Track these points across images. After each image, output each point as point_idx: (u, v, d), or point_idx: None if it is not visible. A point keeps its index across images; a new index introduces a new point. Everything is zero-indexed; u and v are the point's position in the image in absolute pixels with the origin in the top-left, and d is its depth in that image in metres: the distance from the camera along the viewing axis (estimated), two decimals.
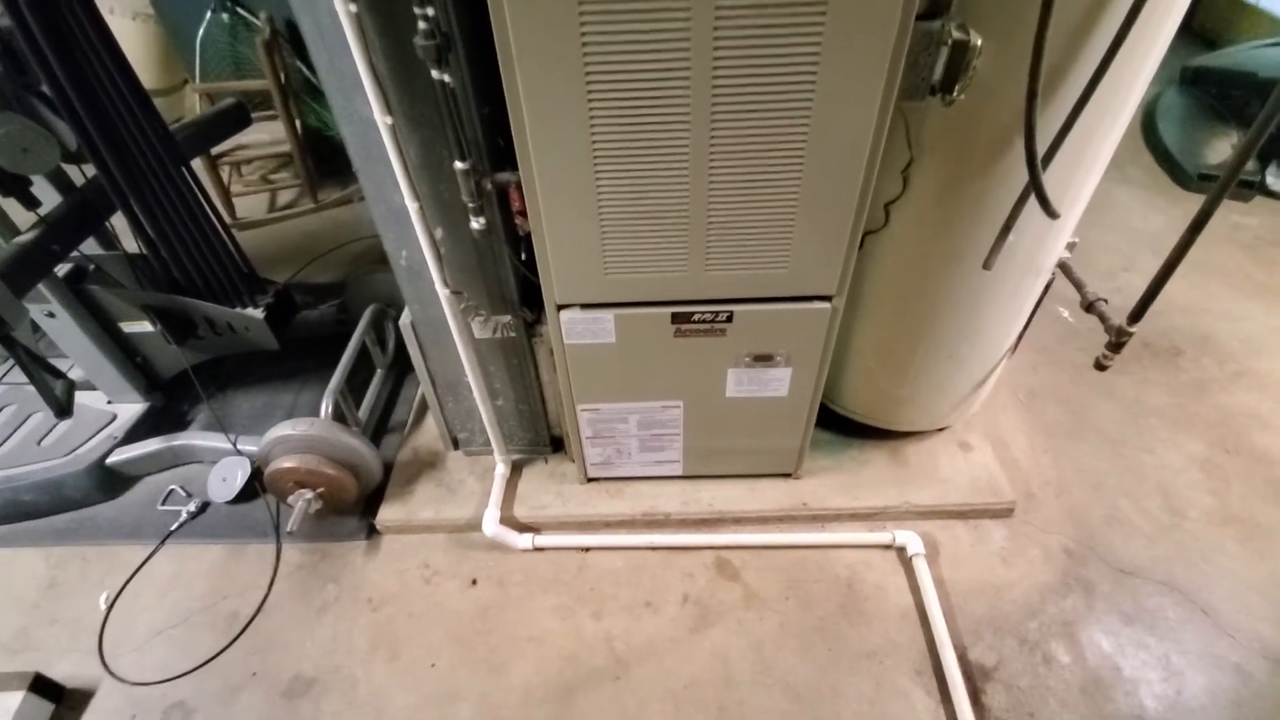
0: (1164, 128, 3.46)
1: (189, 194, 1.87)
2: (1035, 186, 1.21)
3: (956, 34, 1.10)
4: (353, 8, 1.07)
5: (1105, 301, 1.58)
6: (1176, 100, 3.61)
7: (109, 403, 2.23)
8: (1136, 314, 1.41)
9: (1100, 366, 1.54)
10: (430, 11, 1.04)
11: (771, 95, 1.10)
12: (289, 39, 2.86)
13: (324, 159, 3.28)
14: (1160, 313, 2.56)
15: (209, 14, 2.86)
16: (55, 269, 1.89)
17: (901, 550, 1.83)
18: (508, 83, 1.10)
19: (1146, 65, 1.25)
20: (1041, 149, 1.25)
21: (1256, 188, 3.18)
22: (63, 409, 1.78)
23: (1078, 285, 1.64)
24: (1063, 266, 1.68)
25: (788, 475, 1.95)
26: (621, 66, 1.07)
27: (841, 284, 1.41)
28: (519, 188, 1.28)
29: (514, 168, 1.24)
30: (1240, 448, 2.10)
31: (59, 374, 1.79)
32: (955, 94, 1.16)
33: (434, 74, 1.11)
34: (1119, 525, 1.90)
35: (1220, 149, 3.34)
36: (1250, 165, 3.14)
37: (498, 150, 1.34)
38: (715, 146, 1.17)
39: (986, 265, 1.44)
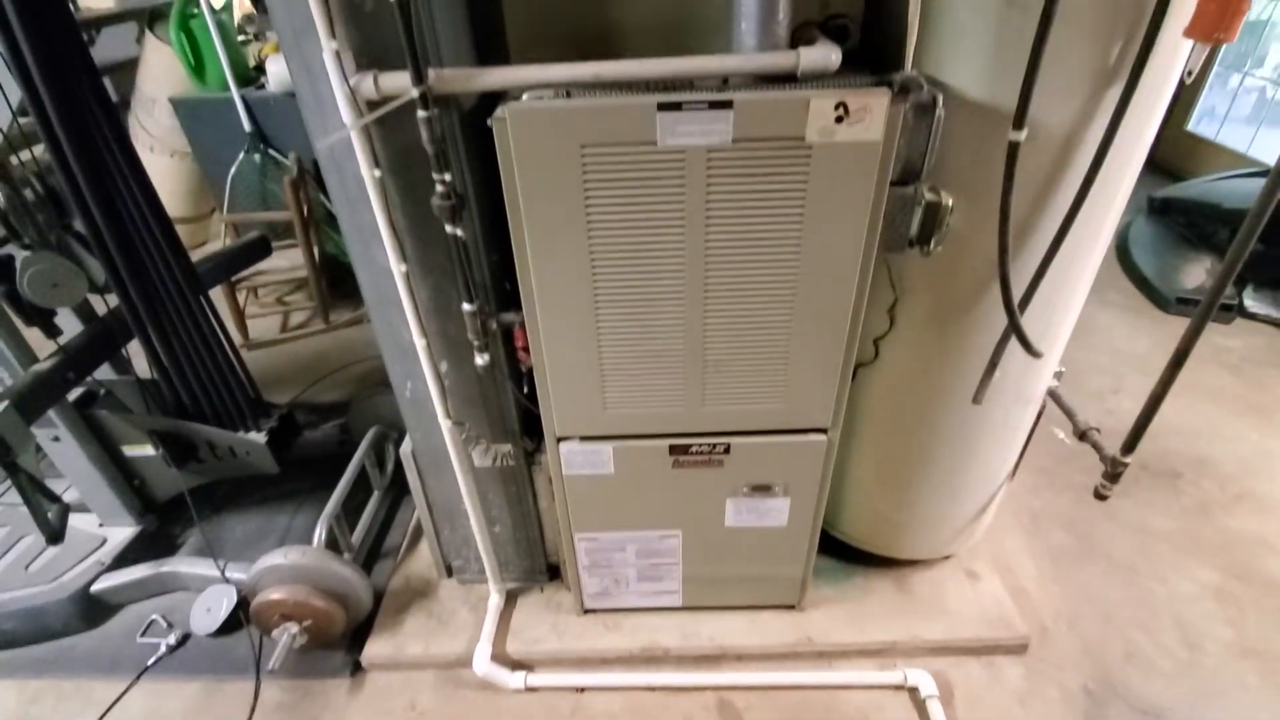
0: (1138, 254, 3.64)
1: (205, 323, 1.94)
2: (1015, 330, 1.27)
3: (929, 196, 1.19)
4: (377, 173, 1.17)
5: (1098, 431, 1.61)
6: (1146, 229, 3.81)
7: (100, 525, 2.20)
8: (1130, 445, 1.43)
9: (1100, 496, 1.54)
10: (448, 177, 1.14)
11: (760, 249, 1.18)
12: (315, 176, 3.08)
13: (338, 282, 3.42)
14: (1155, 434, 2.56)
15: (242, 154, 3.10)
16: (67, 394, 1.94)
17: (914, 691, 1.74)
18: (515, 235, 1.19)
19: (1111, 212, 1.35)
20: (1018, 293, 1.33)
21: (1236, 310, 3.29)
22: (55, 535, 1.76)
23: (1069, 413, 1.67)
24: (1052, 395, 1.72)
25: (790, 607, 1.89)
26: (622, 222, 1.16)
27: (835, 417, 1.44)
28: (523, 327, 1.34)
29: (519, 308, 1.31)
30: (1251, 575, 2.05)
31: (55, 498, 1.79)
32: (932, 246, 1.25)
33: (448, 229, 1.20)
34: (1138, 662, 1.82)
35: (1195, 274, 3.49)
36: (1228, 289, 3.27)
37: (504, 292, 1.42)
38: (710, 292, 1.24)
39: (976, 400, 1.48)
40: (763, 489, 1.57)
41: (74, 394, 2.01)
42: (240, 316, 3.22)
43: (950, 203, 1.22)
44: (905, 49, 1.12)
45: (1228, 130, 4.76)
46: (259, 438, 2.07)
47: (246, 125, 3.04)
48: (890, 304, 1.49)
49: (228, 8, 3.57)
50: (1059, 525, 2.25)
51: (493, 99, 1.13)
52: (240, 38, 3.44)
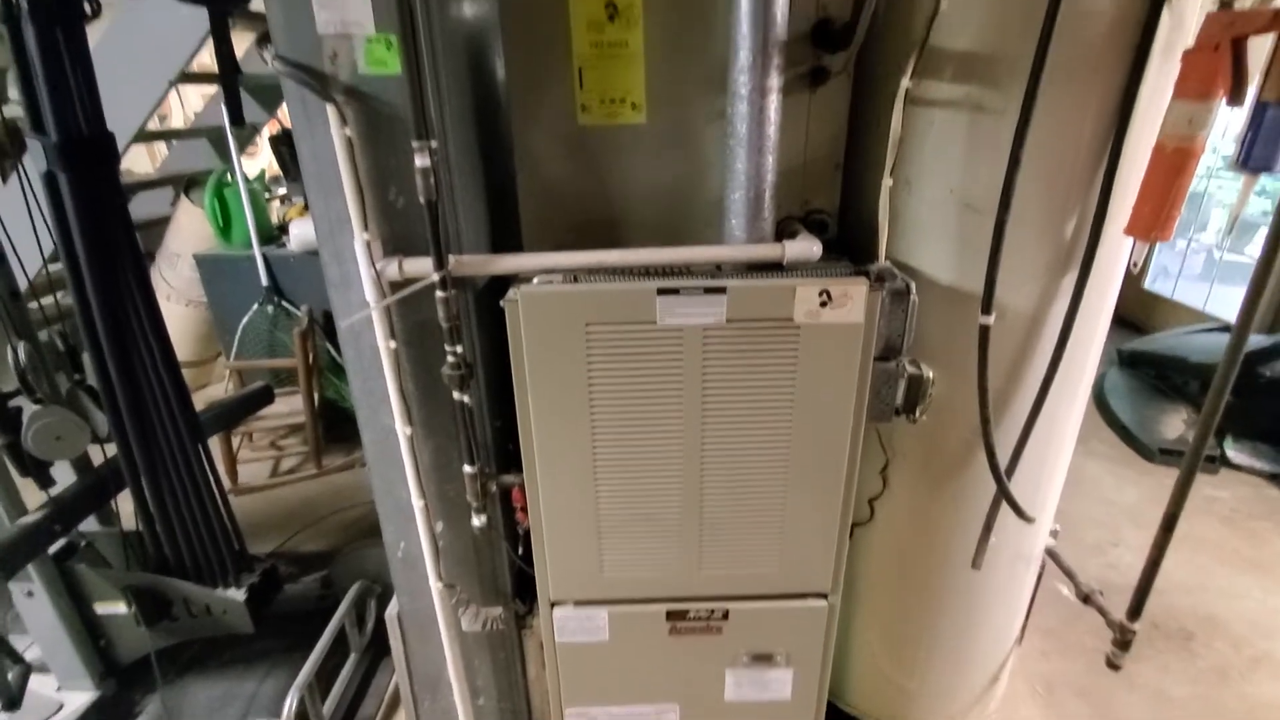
0: (1115, 404, 3.76)
1: (200, 474, 1.94)
2: (1006, 497, 1.30)
3: (910, 369, 1.27)
4: (393, 344, 1.25)
5: (1101, 594, 1.59)
6: (1120, 380, 3.97)
7: (59, 689, 2.05)
8: (1135, 610, 1.41)
9: (1113, 666, 1.49)
10: (459, 349, 1.21)
11: (755, 419, 1.24)
12: (323, 326, 3.21)
13: (333, 426, 3.45)
14: (1160, 590, 2.50)
15: (256, 305, 3.25)
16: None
17: None
18: (520, 404, 1.24)
19: (1083, 380, 1.43)
20: (1004, 458, 1.37)
21: (1219, 461, 3.35)
22: (14, 701, 1.64)
23: (1069, 574, 1.66)
24: (1051, 554, 1.71)
25: None
26: (622, 393, 1.22)
27: (835, 582, 1.43)
28: (523, 488, 1.36)
29: (519, 470, 1.34)
30: None
31: (18, 658, 1.69)
32: (918, 415, 1.31)
33: (455, 395, 1.26)
34: None
35: (1173, 424, 3.58)
36: (1210, 441, 3.34)
37: (505, 454, 1.45)
38: (707, 458, 1.28)
39: (975, 565, 1.48)
40: (764, 658, 1.51)
41: (54, 547, 1.96)
42: (232, 461, 3.20)
43: (931, 375, 1.30)
44: (879, 242, 1.25)
45: (1183, 287, 5.10)
46: (238, 595, 1.99)
47: (264, 280, 3.22)
48: (882, 466, 1.52)
49: (260, 177, 3.90)
50: (1074, 693, 2.13)
51: (505, 279, 1.23)
52: (266, 195, 3.72)
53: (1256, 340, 3.64)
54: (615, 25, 1.22)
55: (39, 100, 1.43)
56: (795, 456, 1.28)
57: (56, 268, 1.66)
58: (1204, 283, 5.06)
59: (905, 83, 1.14)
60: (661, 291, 1.13)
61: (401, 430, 1.32)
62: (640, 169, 1.36)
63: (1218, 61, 1.03)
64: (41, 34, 1.36)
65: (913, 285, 1.18)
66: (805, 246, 1.20)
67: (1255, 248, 5.08)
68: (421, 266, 1.16)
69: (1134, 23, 1.09)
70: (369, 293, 1.19)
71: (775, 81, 1.13)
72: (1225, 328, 4.16)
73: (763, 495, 1.31)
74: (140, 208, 3.83)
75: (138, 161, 4.85)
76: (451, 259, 1.17)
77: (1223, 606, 2.48)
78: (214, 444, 2.68)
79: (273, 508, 3.17)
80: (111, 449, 1.83)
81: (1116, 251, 1.30)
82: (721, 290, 1.13)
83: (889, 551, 1.61)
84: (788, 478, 1.30)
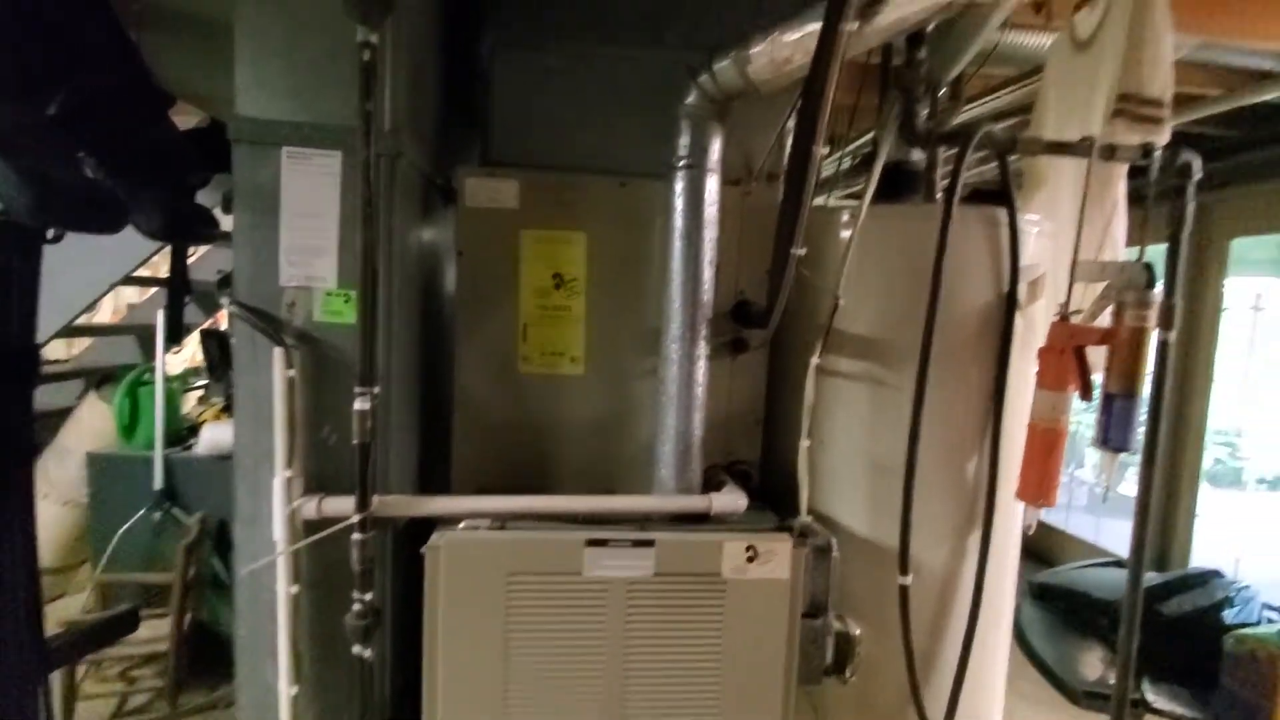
0: (1034, 641, 3.77)
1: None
2: None
3: (837, 625, 1.27)
4: (294, 589, 1.15)
5: None
6: (1035, 614, 4.03)
7: None
8: None
9: None
10: (369, 596, 1.13)
11: (680, 676, 1.18)
12: (215, 540, 2.94)
13: (201, 654, 2.99)
14: None
15: (143, 511, 2.97)
16: None
17: None
18: (429, 656, 1.14)
19: (1002, 628, 1.46)
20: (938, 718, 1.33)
21: (1142, 706, 3.33)
22: None
23: None
24: None
25: None
26: (541, 646, 1.14)
27: None
28: None
29: None
30: None
31: None
32: (848, 675, 1.28)
33: (356, 649, 1.14)
34: None
35: (1092, 664, 3.60)
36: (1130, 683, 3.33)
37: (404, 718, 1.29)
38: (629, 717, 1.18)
39: None
40: None
41: None
42: (71, 696, 2.67)
43: (858, 632, 1.29)
44: (800, 498, 1.31)
45: (1075, 520, 5.45)
46: None
47: (158, 483, 2.98)
48: None
49: (182, 375, 3.81)
50: None
51: (429, 520, 1.19)
52: (185, 389, 3.59)
53: (1151, 578, 3.85)
54: (561, 293, 1.36)
55: None
56: (724, 716, 1.20)
57: None
58: (1093, 515, 5.43)
59: (815, 360, 1.28)
60: (590, 543, 1.12)
61: (285, 690, 1.17)
62: (575, 415, 1.42)
63: (1067, 361, 1.23)
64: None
65: (834, 542, 1.22)
66: (732, 499, 1.25)
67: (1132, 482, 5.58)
68: (343, 506, 1.12)
69: (996, 323, 1.30)
70: (278, 532, 1.13)
71: (703, 350, 1.26)
72: (1119, 562, 4.41)
73: None
74: (43, 397, 3.60)
75: (53, 348, 4.67)
76: (376, 499, 1.14)
77: None
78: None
79: None
80: None
81: (1013, 513, 1.41)
82: (650, 543, 1.14)
83: None
84: None
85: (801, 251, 1.12)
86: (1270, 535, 4.97)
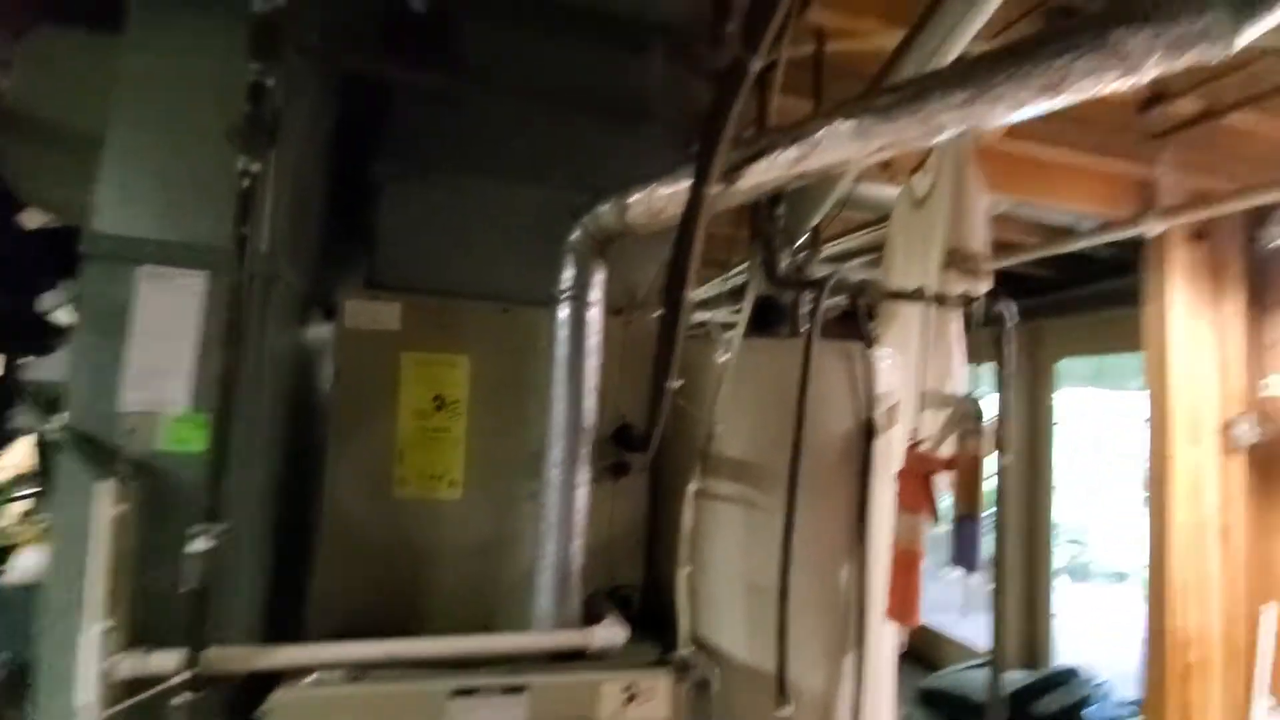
0: None
1: None
2: None
3: None
4: None
5: None
6: None
7: None
8: None
9: None
10: None
11: None
12: (17, 689, 2.47)
13: None
14: None
15: None
16: None
17: None
18: None
19: None
20: None
21: None
22: None
23: None
24: None
25: None
26: None
27: None
28: None
29: None
30: None
31: None
32: None
33: None
34: None
35: None
36: None
37: None
38: None
39: None
40: None
41: None
42: None
43: None
44: (680, 624, 1.30)
45: (957, 622, 5.65)
46: None
47: None
48: None
49: (7, 484, 3.31)
50: None
51: (273, 674, 1.07)
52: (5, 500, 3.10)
53: (1021, 678, 4.02)
54: (442, 414, 1.33)
55: None
56: None
57: None
58: (963, 615, 5.66)
59: (693, 486, 1.32)
60: (456, 693, 1.05)
61: None
62: (453, 541, 1.36)
63: (921, 485, 1.33)
64: None
65: (714, 676, 1.21)
66: (611, 633, 1.22)
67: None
68: (167, 662, 0.99)
69: (858, 448, 1.40)
70: (86, 695, 0.97)
71: (584, 476, 1.26)
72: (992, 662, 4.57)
73: None
74: None
75: None
76: (212, 651, 1.01)
77: None
78: None
79: None
80: None
81: (884, 633, 1.46)
82: (521, 689, 1.07)
83: None
84: None
85: (677, 384, 1.17)
86: (1119, 627, 5.37)
